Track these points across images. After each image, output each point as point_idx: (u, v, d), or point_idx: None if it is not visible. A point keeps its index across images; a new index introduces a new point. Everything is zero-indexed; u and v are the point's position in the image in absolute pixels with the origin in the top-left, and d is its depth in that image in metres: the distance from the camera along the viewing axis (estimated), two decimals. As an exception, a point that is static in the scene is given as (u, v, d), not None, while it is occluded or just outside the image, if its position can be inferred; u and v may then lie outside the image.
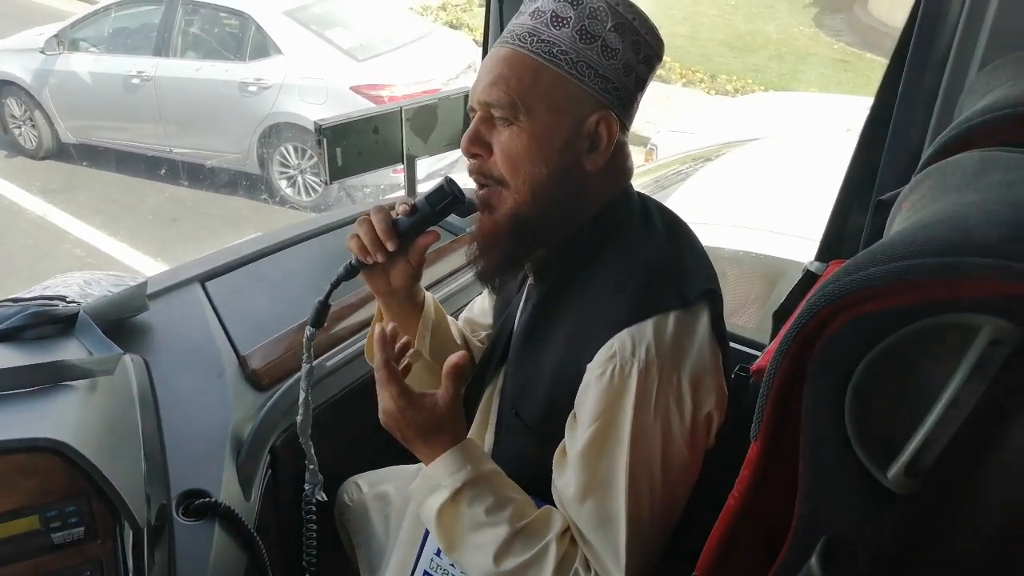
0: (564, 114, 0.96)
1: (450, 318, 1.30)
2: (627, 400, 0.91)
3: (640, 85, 1.01)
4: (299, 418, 1.19)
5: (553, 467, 0.99)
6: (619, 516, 0.92)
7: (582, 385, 0.95)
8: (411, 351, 1.19)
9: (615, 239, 1.01)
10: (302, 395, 1.17)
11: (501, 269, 1.06)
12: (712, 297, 0.99)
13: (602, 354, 0.92)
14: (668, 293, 0.95)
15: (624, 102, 0.99)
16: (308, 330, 1.13)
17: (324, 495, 1.36)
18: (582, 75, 0.95)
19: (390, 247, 1.04)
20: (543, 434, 1.02)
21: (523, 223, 0.99)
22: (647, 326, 0.92)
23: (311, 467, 1.25)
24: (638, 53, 0.98)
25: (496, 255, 1.03)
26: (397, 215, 1.06)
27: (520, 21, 0.98)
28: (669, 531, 0.97)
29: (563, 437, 0.99)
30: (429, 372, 1.23)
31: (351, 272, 1.09)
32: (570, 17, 0.95)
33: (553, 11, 0.95)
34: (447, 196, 1.05)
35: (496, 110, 0.97)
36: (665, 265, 0.99)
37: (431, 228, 1.07)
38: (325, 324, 1.15)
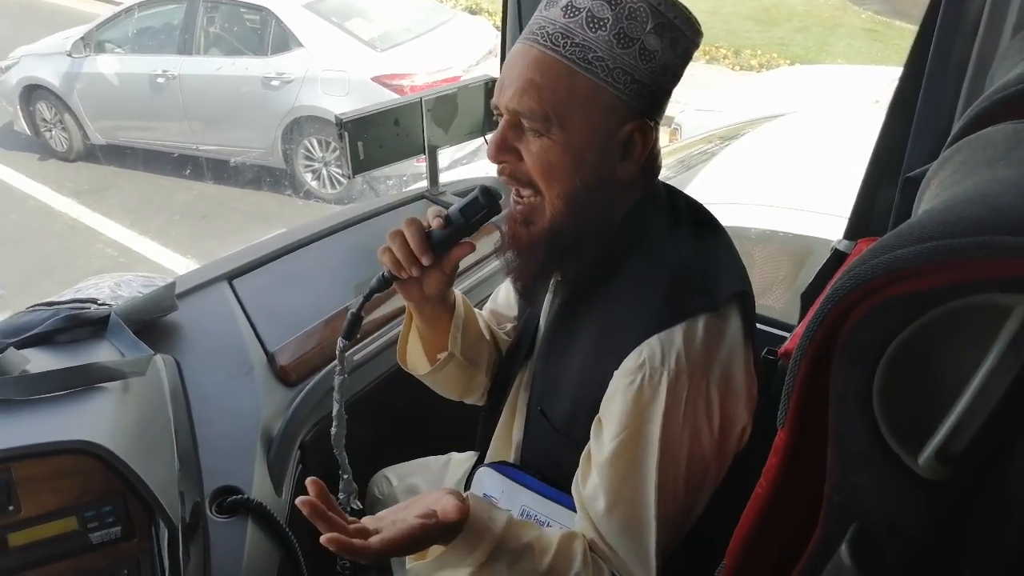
0: (599, 125, 0.92)
1: (475, 310, 1.29)
2: (656, 410, 0.89)
3: (676, 80, 0.96)
4: (333, 430, 1.19)
5: (579, 471, 0.98)
6: (649, 525, 0.92)
7: (610, 391, 0.93)
8: (444, 354, 1.19)
9: (642, 240, 0.99)
10: (336, 407, 1.16)
11: (538, 280, 1.05)
12: (742, 298, 0.97)
13: (631, 361, 0.91)
14: (697, 297, 0.93)
15: (658, 102, 0.95)
16: (341, 342, 1.11)
17: (360, 503, 1.37)
18: (618, 82, 0.90)
19: (425, 262, 1.01)
20: (569, 435, 1.01)
21: (559, 235, 0.97)
22: (676, 332, 0.90)
23: (345, 477, 1.25)
24: (675, 49, 0.92)
25: (534, 268, 1.02)
26: (430, 227, 1.02)
27: (551, 15, 0.91)
28: (687, 529, 0.97)
29: (588, 439, 0.98)
30: (461, 370, 1.22)
31: (384, 284, 1.07)
32: (607, 19, 0.88)
33: (589, 10, 0.89)
34: (482, 208, 1.02)
35: (527, 120, 0.92)
36: (693, 267, 0.96)
37: (466, 239, 1.04)
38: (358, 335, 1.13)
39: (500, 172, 0.99)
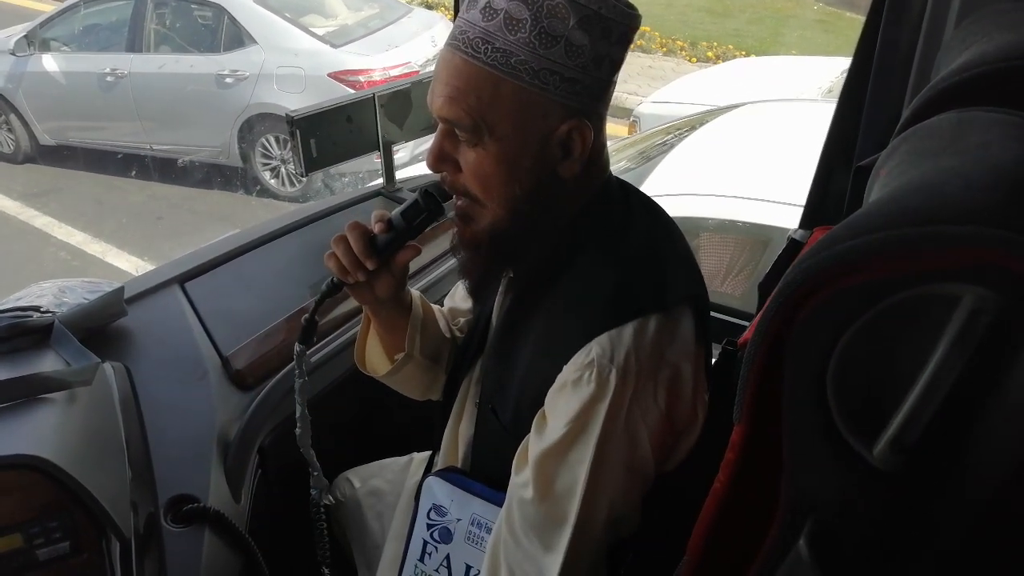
0: (531, 130, 0.89)
1: (436, 308, 1.28)
2: (600, 408, 0.87)
3: (615, 67, 0.91)
4: (298, 431, 1.19)
5: (516, 459, 0.95)
6: (567, 523, 0.89)
7: (556, 385, 0.91)
8: (402, 354, 1.18)
9: (594, 238, 0.96)
10: (299, 410, 1.17)
11: (486, 278, 1.04)
12: (696, 300, 0.96)
13: (580, 357, 0.88)
14: (648, 296, 0.91)
15: (597, 95, 0.91)
16: (298, 347, 1.12)
17: (332, 498, 1.36)
18: (546, 83, 0.86)
19: (369, 266, 1.01)
20: (517, 435, 0.99)
21: (503, 237, 0.95)
22: (627, 330, 0.88)
23: (315, 474, 1.26)
24: (609, 38, 0.87)
25: (479, 265, 1.01)
26: (374, 232, 1.02)
27: (471, 18, 0.87)
28: (619, 534, 0.95)
29: None
30: (421, 370, 1.21)
31: (334, 289, 1.07)
32: (526, 19, 0.84)
33: (506, 12, 0.84)
34: (422, 212, 1.02)
35: (458, 130, 0.90)
36: (645, 265, 0.94)
37: (411, 242, 1.05)
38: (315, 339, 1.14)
39: (443, 181, 0.98)
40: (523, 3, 0.84)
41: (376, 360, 1.23)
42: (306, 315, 1.10)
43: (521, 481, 0.93)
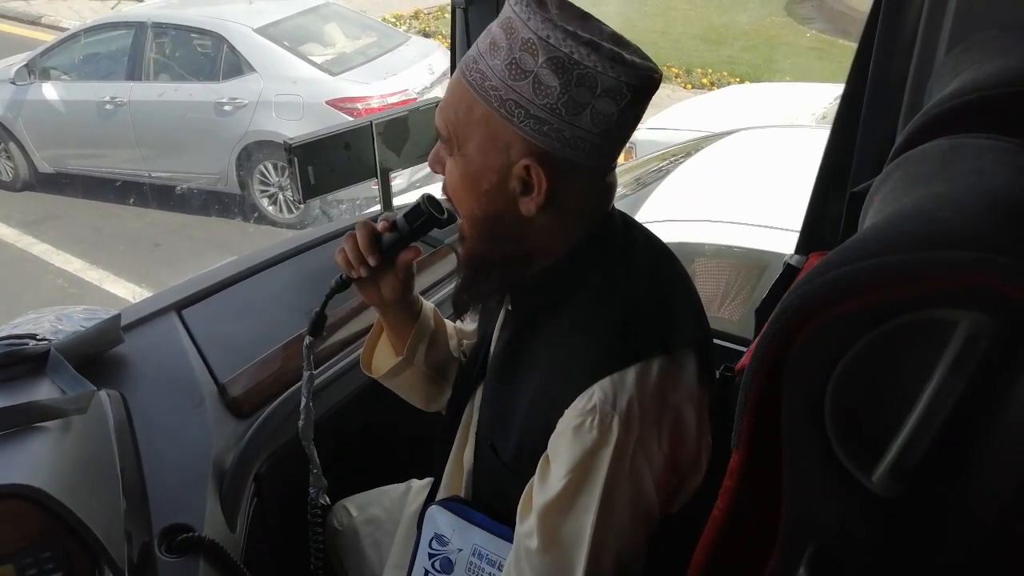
0: (491, 155, 0.89)
1: (450, 325, 1.29)
2: (604, 456, 0.85)
3: (605, 121, 0.85)
4: (300, 423, 1.22)
5: (521, 503, 0.94)
6: (575, 573, 0.88)
7: (559, 429, 0.89)
8: (400, 359, 1.20)
9: (594, 276, 0.95)
10: (303, 401, 1.21)
11: (462, 297, 1.05)
12: (699, 343, 0.95)
13: (581, 402, 0.87)
14: (652, 338, 0.90)
15: (573, 143, 0.86)
16: (307, 338, 1.17)
17: (327, 499, 1.35)
18: (511, 114, 0.85)
19: (371, 262, 1.06)
20: (518, 472, 0.98)
21: (475, 258, 0.99)
22: (629, 375, 0.86)
23: (315, 471, 1.27)
24: (591, 89, 0.83)
25: (460, 285, 1.04)
26: (381, 231, 1.08)
27: (478, 39, 0.91)
28: (632, 571, 0.94)
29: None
30: (424, 380, 1.23)
31: (342, 285, 1.13)
32: (503, 47, 0.85)
33: (493, 37, 0.87)
34: (423, 215, 1.07)
35: (440, 138, 0.95)
36: (649, 307, 0.93)
37: (413, 244, 1.10)
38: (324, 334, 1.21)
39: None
40: (503, 30, 0.86)
41: (380, 363, 1.25)
42: (315, 310, 1.15)
43: (526, 530, 0.92)
